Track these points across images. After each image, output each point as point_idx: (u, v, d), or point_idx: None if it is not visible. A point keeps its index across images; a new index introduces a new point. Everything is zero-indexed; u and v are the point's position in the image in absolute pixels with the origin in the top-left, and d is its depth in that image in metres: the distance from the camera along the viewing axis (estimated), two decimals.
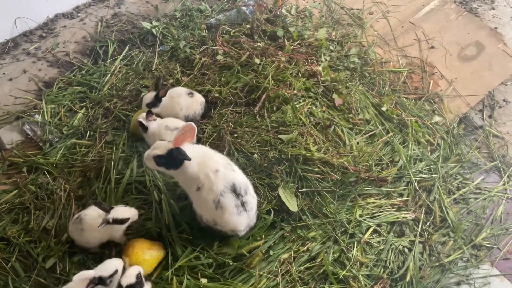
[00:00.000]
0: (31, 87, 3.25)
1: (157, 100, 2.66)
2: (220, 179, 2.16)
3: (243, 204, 2.22)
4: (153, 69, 3.18)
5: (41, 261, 2.38)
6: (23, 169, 2.73)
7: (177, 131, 2.11)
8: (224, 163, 2.25)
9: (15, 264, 2.38)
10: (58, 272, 2.33)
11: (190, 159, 2.08)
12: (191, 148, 2.15)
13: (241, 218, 2.24)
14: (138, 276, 2.04)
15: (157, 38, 3.41)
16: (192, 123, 2.10)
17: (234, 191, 2.19)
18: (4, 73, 3.33)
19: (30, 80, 3.29)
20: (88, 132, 2.87)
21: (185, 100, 2.73)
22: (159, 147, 2.13)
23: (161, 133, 2.55)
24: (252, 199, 2.30)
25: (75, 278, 1.92)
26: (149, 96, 2.71)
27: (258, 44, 3.20)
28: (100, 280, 2.00)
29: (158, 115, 2.68)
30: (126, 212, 2.27)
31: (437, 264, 2.49)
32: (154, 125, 2.56)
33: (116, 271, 2.04)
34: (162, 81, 2.75)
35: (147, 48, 3.40)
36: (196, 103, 2.77)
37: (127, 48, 3.39)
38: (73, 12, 3.77)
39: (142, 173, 2.59)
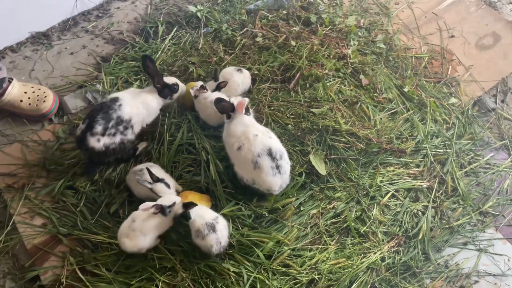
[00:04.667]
0: (90, 60, 3.57)
1: (217, 90, 2.91)
2: (258, 142, 2.45)
3: (277, 167, 2.47)
4: (199, 48, 3.47)
5: (104, 206, 2.71)
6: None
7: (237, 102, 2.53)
8: (263, 130, 2.55)
9: (82, 208, 2.71)
10: (120, 216, 2.69)
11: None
12: (240, 119, 2.53)
13: (275, 179, 2.49)
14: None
15: (201, 21, 3.67)
16: (247, 99, 2.54)
17: (270, 154, 2.45)
18: (65, 48, 3.65)
19: (89, 54, 3.61)
20: None
21: (238, 77, 3.00)
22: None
23: (207, 105, 2.84)
24: (286, 164, 2.54)
25: (141, 207, 2.25)
26: (211, 84, 2.97)
27: (294, 28, 3.46)
28: (162, 208, 2.32)
29: None
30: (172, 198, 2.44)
31: (446, 226, 2.74)
32: (203, 95, 2.86)
33: (174, 203, 2.36)
34: (219, 72, 2.99)
35: (193, 30, 3.67)
36: (246, 77, 3.06)
37: (175, 29, 3.66)
38: None
39: (191, 136, 2.88)
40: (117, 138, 2.65)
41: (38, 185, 2.85)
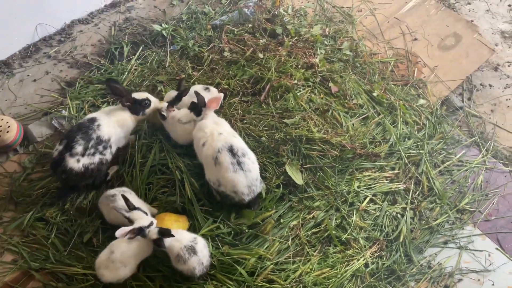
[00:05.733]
0: (54, 86, 3.48)
1: (177, 100, 2.82)
2: (220, 139, 2.49)
3: (239, 164, 2.44)
4: (166, 66, 3.42)
5: (77, 236, 2.60)
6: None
7: (210, 97, 2.69)
8: (229, 131, 2.61)
9: (54, 240, 2.60)
10: (94, 245, 2.58)
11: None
12: (211, 117, 2.65)
13: (237, 176, 2.43)
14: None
15: (167, 39, 3.64)
16: (222, 94, 2.65)
17: (231, 151, 2.46)
18: (28, 75, 3.55)
19: (53, 80, 3.51)
20: None
21: (204, 96, 2.96)
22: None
23: (175, 124, 2.80)
24: (251, 163, 2.51)
25: (118, 232, 2.15)
26: (170, 94, 2.94)
27: (260, 40, 3.46)
28: (140, 230, 2.23)
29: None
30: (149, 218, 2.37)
31: (426, 226, 2.76)
32: (171, 115, 2.81)
33: (152, 223, 2.28)
34: (184, 83, 2.95)
35: (159, 48, 3.63)
36: (214, 95, 3.00)
37: (140, 48, 3.61)
38: (88, 18, 3.99)
39: (164, 156, 2.81)
40: (96, 158, 2.60)
41: (6, 219, 2.73)
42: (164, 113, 2.78)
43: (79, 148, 2.53)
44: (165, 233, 2.23)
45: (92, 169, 2.59)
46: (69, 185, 2.64)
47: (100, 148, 2.62)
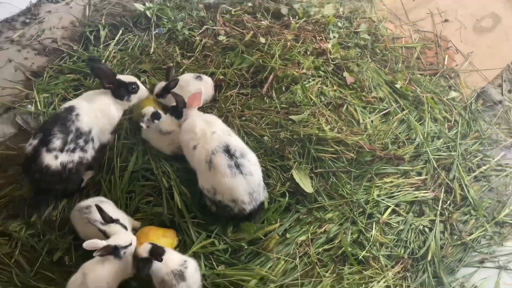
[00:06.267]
0: (18, 77, 3.50)
1: (165, 92, 2.89)
2: (214, 139, 2.51)
3: (237, 166, 2.45)
4: (150, 53, 3.45)
5: (46, 254, 2.61)
6: (19, 163, 2.97)
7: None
8: (223, 129, 2.63)
9: (18, 258, 2.62)
10: (66, 263, 2.59)
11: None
12: (198, 115, 2.66)
13: (236, 181, 2.44)
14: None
15: (152, 21, 3.67)
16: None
17: (228, 151, 2.46)
18: None
19: (17, 69, 3.54)
20: None
21: (194, 86, 2.98)
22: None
23: (154, 136, 2.86)
24: (251, 165, 2.52)
25: (85, 244, 2.16)
26: (159, 86, 2.99)
27: (262, 22, 3.49)
28: (115, 249, 2.23)
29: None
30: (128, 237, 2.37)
31: (459, 242, 2.77)
32: (153, 125, 2.82)
33: (130, 243, 2.29)
34: (173, 72, 2.98)
35: (142, 32, 3.66)
36: (207, 85, 3.05)
37: (120, 32, 3.64)
38: None
39: (147, 160, 2.84)
40: (76, 156, 2.64)
41: None
42: (143, 124, 2.77)
43: (57, 143, 2.58)
44: (158, 254, 2.22)
45: (70, 169, 2.63)
46: (41, 188, 2.67)
47: (81, 142, 2.67)
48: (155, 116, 2.77)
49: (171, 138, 2.79)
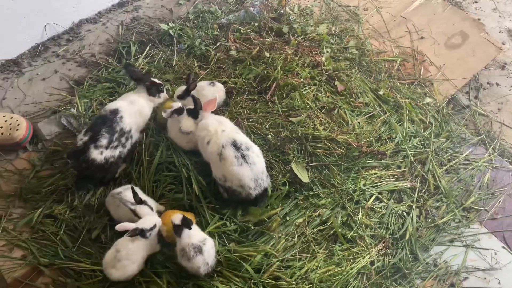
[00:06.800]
0: (63, 85, 3.51)
1: (186, 94, 2.88)
2: (224, 135, 2.54)
3: (243, 157, 2.48)
4: (173, 65, 3.45)
5: (86, 233, 2.64)
6: (64, 156, 2.99)
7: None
8: (232, 127, 2.66)
9: (63, 236, 2.63)
10: (102, 241, 2.61)
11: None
12: (212, 116, 2.69)
13: (243, 169, 2.46)
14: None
15: (174, 38, 3.67)
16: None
17: (235, 145, 2.50)
18: (37, 74, 3.59)
19: (62, 79, 3.55)
20: None
21: (209, 90, 3.00)
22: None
23: (177, 135, 2.85)
24: (255, 156, 2.53)
25: (118, 227, 2.19)
26: (180, 89, 2.98)
27: (266, 39, 3.47)
28: (142, 231, 2.27)
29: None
30: (153, 220, 2.40)
31: (432, 225, 2.76)
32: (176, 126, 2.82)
33: (155, 226, 2.32)
34: (192, 77, 2.96)
35: (166, 47, 3.66)
36: (220, 90, 3.05)
37: (148, 47, 3.64)
38: (96, 17, 4.02)
39: (170, 154, 2.83)
40: (117, 151, 2.69)
41: (16, 216, 2.76)
42: (164, 114, 2.76)
43: (104, 141, 2.61)
44: (187, 223, 2.28)
45: (111, 162, 2.66)
46: (84, 175, 2.69)
47: (123, 140, 2.71)
48: (178, 111, 2.76)
49: (189, 137, 2.79)
